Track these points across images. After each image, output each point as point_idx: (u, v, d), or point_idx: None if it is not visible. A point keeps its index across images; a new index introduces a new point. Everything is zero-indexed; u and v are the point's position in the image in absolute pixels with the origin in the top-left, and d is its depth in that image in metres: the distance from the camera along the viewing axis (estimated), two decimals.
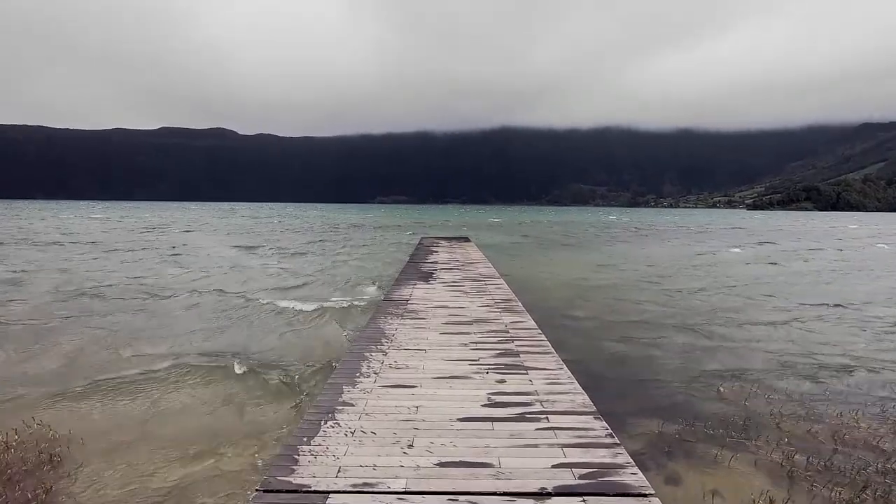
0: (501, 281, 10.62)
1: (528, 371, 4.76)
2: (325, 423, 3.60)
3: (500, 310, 7.63)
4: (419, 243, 21.47)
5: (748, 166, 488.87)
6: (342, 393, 4.17)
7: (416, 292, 9.16)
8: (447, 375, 4.63)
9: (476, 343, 5.75)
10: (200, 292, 12.88)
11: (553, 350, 5.46)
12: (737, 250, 26.85)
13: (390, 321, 6.80)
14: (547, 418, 3.70)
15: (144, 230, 39.50)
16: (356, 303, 11.59)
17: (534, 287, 14.15)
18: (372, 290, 13.62)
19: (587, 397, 4.12)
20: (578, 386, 4.37)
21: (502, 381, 4.48)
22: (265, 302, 11.65)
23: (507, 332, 6.21)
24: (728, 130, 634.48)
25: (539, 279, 16.14)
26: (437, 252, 16.94)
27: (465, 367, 4.89)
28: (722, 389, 6.12)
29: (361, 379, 4.51)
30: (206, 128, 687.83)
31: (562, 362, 5.02)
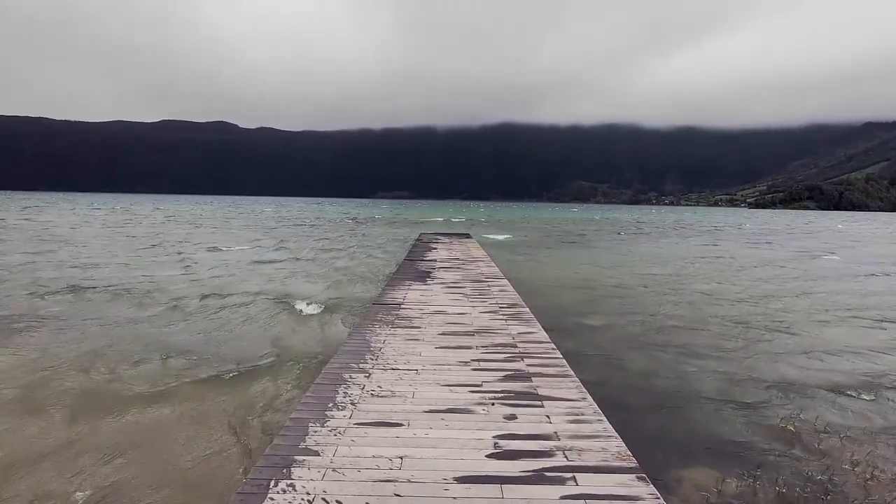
0: (506, 282, 9.69)
1: (544, 402, 3.82)
2: (276, 486, 2.65)
3: (505, 317, 6.69)
4: (417, 239, 20.55)
5: (750, 165, 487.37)
6: (306, 435, 3.22)
7: (411, 294, 8.23)
8: (443, 408, 3.69)
9: (479, 360, 4.81)
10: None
11: (572, 372, 4.52)
12: (834, 258, 22.96)
13: (378, 331, 5.86)
14: (574, 478, 2.77)
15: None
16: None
17: (556, 292, 12.80)
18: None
19: (623, 444, 3.18)
20: (609, 426, 3.42)
21: (512, 418, 3.54)
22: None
23: (516, 347, 5.27)
24: (730, 129, 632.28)
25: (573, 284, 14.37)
26: (435, 249, 16.01)
27: (464, 394, 3.95)
28: (788, 427, 5.05)
29: (334, 413, 3.56)
30: (207, 121, 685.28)
31: (584, 389, 4.08)
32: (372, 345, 5.28)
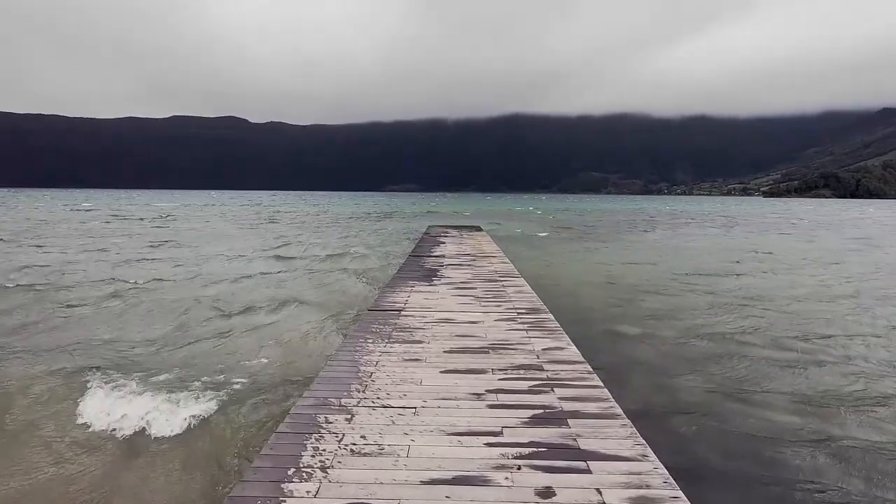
0: (522, 281, 8.60)
1: (589, 462, 2.73)
2: None
3: (525, 326, 5.61)
4: (424, 233, 19.49)
5: (763, 153, 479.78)
6: None
7: (414, 297, 7.16)
8: (448, 476, 2.60)
9: (496, 392, 3.72)
10: None
11: (619, 409, 3.43)
12: None
13: (371, 347, 4.80)
14: None
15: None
16: None
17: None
18: None
19: None
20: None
21: (548, 493, 2.45)
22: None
23: (542, 370, 4.18)
24: (742, 116, 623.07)
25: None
26: (443, 244, 14.93)
27: (479, 450, 2.87)
28: None
29: (294, 487, 2.49)
30: (217, 116, 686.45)
31: (642, 439, 2.99)
32: (361, 368, 4.22)
